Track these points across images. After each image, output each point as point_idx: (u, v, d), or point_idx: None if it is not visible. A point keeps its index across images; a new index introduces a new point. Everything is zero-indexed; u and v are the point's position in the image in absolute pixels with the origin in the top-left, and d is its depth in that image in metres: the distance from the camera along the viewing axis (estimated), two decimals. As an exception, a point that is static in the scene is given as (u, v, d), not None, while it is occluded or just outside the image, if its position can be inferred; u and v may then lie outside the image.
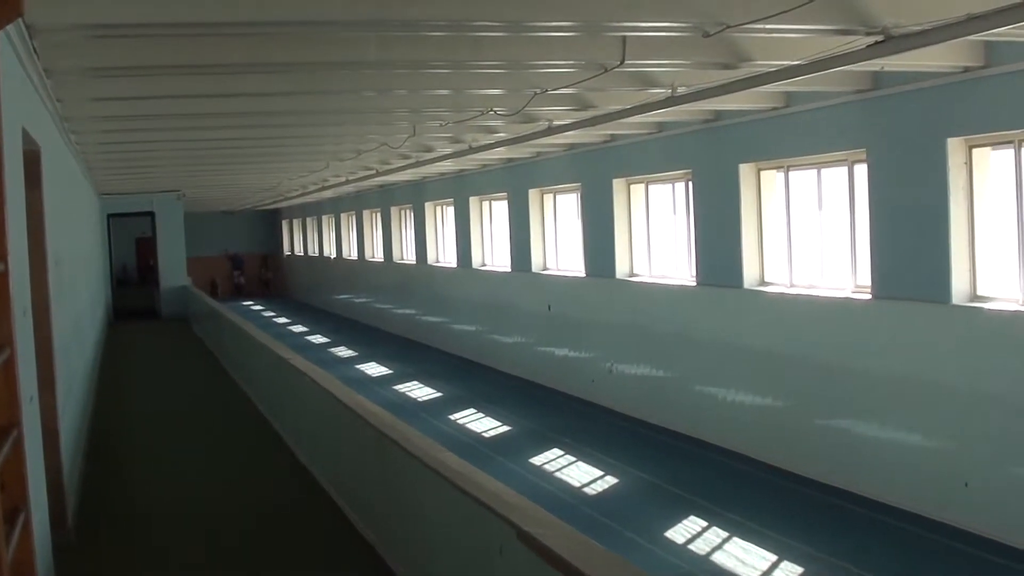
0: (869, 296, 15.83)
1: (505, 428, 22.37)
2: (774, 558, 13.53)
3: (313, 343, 38.99)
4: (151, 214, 39.34)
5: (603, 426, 21.81)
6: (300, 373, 14.25)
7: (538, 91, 14.08)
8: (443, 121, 17.73)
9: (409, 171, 29.03)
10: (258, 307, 55.49)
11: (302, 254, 58.48)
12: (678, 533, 14.71)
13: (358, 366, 32.47)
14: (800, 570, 13.18)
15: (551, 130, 18.78)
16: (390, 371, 30.34)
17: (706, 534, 14.62)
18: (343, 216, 48.54)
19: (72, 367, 14.30)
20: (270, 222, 63.27)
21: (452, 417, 23.74)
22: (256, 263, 63.65)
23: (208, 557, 10.28)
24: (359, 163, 27.10)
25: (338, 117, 17.15)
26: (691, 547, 14.18)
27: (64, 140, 16.13)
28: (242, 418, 18.01)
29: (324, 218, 51.98)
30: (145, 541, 10.98)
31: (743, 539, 14.24)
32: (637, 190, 22.84)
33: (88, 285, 23.43)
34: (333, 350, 36.72)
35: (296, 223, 59.34)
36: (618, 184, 22.86)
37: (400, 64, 11.88)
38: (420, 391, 27.48)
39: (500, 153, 24.74)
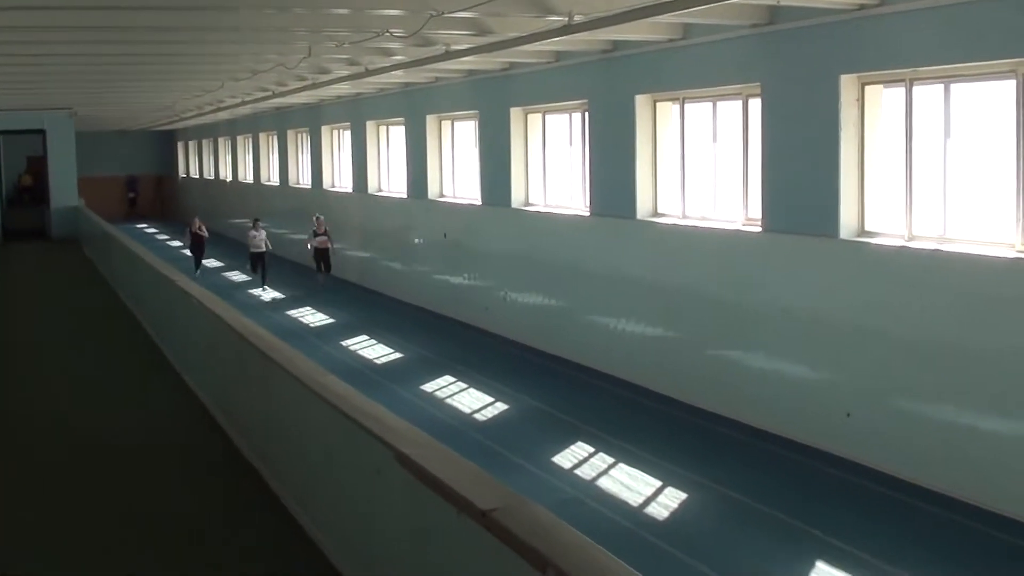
0: (760, 229, 15.99)
1: (397, 355, 22.36)
2: (659, 484, 13.74)
3: (206, 266, 38.49)
4: (42, 132, 38.32)
5: (496, 354, 21.89)
6: (187, 295, 14.05)
7: (435, 13, 13.91)
8: (340, 42, 17.48)
9: (306, 93, 28.67)
10: (152, 230, 54.62)
11: (197, 176, 57.57)
12: (565, 459, 14.85)
13: (251, 291, 32.17)
14: (684, 495, 13.40)
15: (448, 55, 18.63)
16: (283, 296, 30.10)
17: (593, 460, 14.78)
18: (239, 138, 47.80)
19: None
20: (165, 143, 62.09)
21: (344, 343, 23.67)
22: (151, 185, 62.50)
23: (84, 476, 10.09)
24: (255, 84, 26.68)
25: (235, 35, 16.82)
26: (578, 472, 14.33)
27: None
28: (130, 341, 17.74)
29: (220, 140, 51.14)
30: (10, 457, 10.71)
31: (630, 465, 14.42)
32: (534, 119, 22.78)
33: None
34: (226, 275, 36.31)
35: (192, 145, 58.32)
36: (515, 113, 22.78)
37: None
38: (313, 317, 27.34)
39: (398, 77, 24.52)
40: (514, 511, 4.66)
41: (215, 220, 52.00)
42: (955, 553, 11.52)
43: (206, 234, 36.03)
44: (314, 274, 32.04)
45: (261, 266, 32.36)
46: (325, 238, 31.14)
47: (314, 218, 31.71)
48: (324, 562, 7.47)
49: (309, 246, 31.64)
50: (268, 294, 31.62)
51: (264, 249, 32.37)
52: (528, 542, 4.30)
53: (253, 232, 32.65)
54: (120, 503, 9.22)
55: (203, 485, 9.83)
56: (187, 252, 36.53)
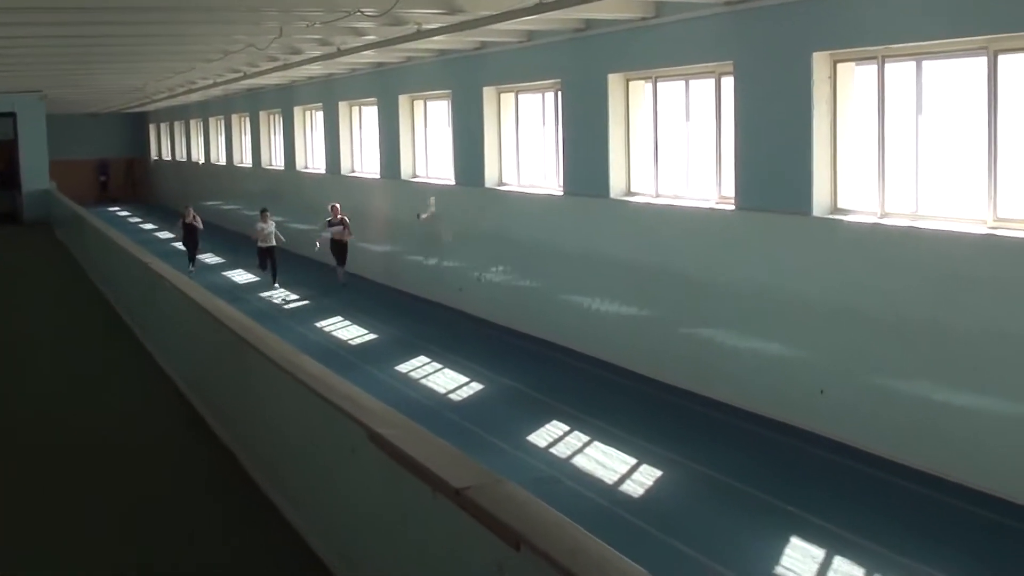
0: (733, 207, 16.02)
1: (372, 336, 22.33)
2: (634, 461, 13.76)
3: (179, 250, 38.28)
4: (12, 115, 38.05)
5: (470, 334, 21.88)
6: (160, 278, 14.01)
7: (406, -8, 13.87)
8: (311, 22, 17.40)
9: (278, 74, 28.55)
10: (124, 213, 54.31)
11: (170, 159, 57.25)
12: (540, 438, 14.87)
13: (225, 273, 32.06)
14: (659, 473, 13.43)
15: (420, 34, 18.56)
16: (257, 279, 29.98)
17: (568, 439, 14.80)
18: (211, 120, 47.53)
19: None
20: (137, 125, 61.68)
21: (318, 325, 23.62)
22: (122, 168, 62.09)
23: (57, 463, 10.06)
24: (226, 65, 26.55)
25: (205, 15, 16.73)
26: (553, 451, 14.35)
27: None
28: (102, 323, 17.67)
29: (192, 122, 50.85)
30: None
31: (605, 443, 14.45)
32: (507, 99, 22.73)
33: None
34: (200, 257, 36.10)
35: (164, 127, 57.96)
36: (488, 92, 22.72)
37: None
38: (287, 298, 27.25)
39: (370, 57, 24.42)
40: (488, 489, 4.67)
41: (188, 202, 51.76)
42: (930, 527, 11.58)
43: (200, 225, 32.24)
44: (331, 270, 28.69)
45: (271, 262, 28.60)
46: (341, 228, 27.87)
47: (330, 206, 28.26)
48: (300, 543, 7.47)
49: (318, 244, 28.59)
50: (278, 292, 28.29)
51: (274, 243, 28.63)
52: (502, 519, 4.30)
53: (261, 224, 28.68)
54: (95, 488, 9.19)
55: (179, 469, 9.82)
56: (179, 245, 32.94)
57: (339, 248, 27.98)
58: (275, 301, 27.03)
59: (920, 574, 10.33)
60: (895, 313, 13.34)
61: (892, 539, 11.09)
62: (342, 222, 27.84)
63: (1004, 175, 12.41)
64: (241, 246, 35.08)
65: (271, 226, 28.59)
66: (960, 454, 12.52)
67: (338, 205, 28.17)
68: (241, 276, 31.29)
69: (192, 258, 31.62)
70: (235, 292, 27.68)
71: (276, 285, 28.34)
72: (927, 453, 12.87)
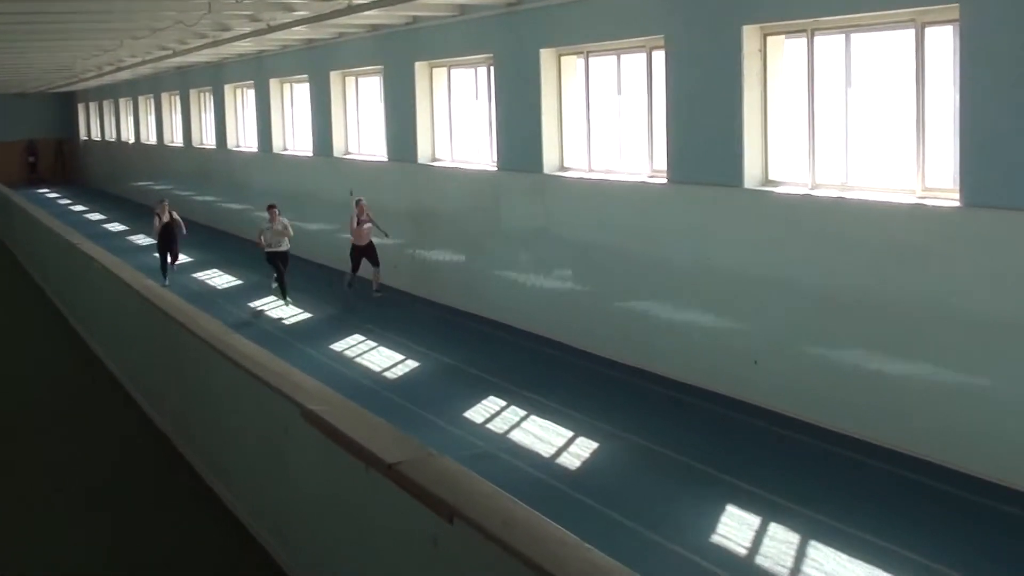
0: (665, 181, 16.07)
1: (306, 315, 22.20)
2: (571, 435, 13.81)
3: (111, 231, 37.95)
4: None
5: (405, 312, 21.82)
6: (90, 259, 13.84)
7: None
8: (239, -2, 17.24)
9: (208, 51, 28.22)
10: (54, 195, 53.59)
11: (99, 139, 56.51)
12: (477, 413, 14.87)
13: (156, 254, 31.66)
14: (596, 445, 13.49)
15: (351, 8, 18.43)
16: (190, 259, 29.69)
17: (505, 413, 14.82)
18: (141, 99, 46.93)
19: None
20: (66, 105, 60.81)
21: (253, 305, 23.44)
22: (51, 148, 61.22)
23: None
24: (155, 42, 26.21)
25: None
26: (490, 426, 14.36)
27: None
28: (32, 309, 17.45)
29: (122, 101, 50.20)
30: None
31: (542, 417, 14.48)
32: (439, 74, 22.64)
33: None
34: (131, 238, 35.76)
35: (93, 107, 57.18)
36: (420, 68, 22.61)
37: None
38: (220, 279, 27.04)
39: (301, 33, 24.21)
40: (420, 463, 4.67)
41: (119, 183, 51.22)
42: (861, 491, 11.73)
43: (183, 225, 26.38)
44: (346, 280, 23.51)
45: (279, 272, 22.87)
46: (370, 226, 22.61)
47: (354, 201, 22.72)
48: (235, 522, 7.43)
49: (352, 240, 22.90)
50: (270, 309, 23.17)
51: (287, 247, 22.94)
52: (435, 493, 4.30)
53: (269, 224, 22.89)
54: (30, 474, 9.09)
55: (112, 453, 9.71)
56: (156, 251, 26.52)
57: (365, 252, 22.77)
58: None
59: (855, 539, 10.45)
60: (827, 283, 13.47)
61: (827, 505, 11.22)
62: (370, 219, 22.62)
63: (932, 145, 12.55)
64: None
65: (279, 225, 22.84)
66: (891, 421, 12.68)
67: (363, 200, 22.65)
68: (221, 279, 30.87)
69: (167, 267, 25.76)
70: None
71: (287, 299, 22.89)
72: (860, 421, 13.02)
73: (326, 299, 23.45)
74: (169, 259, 25.80)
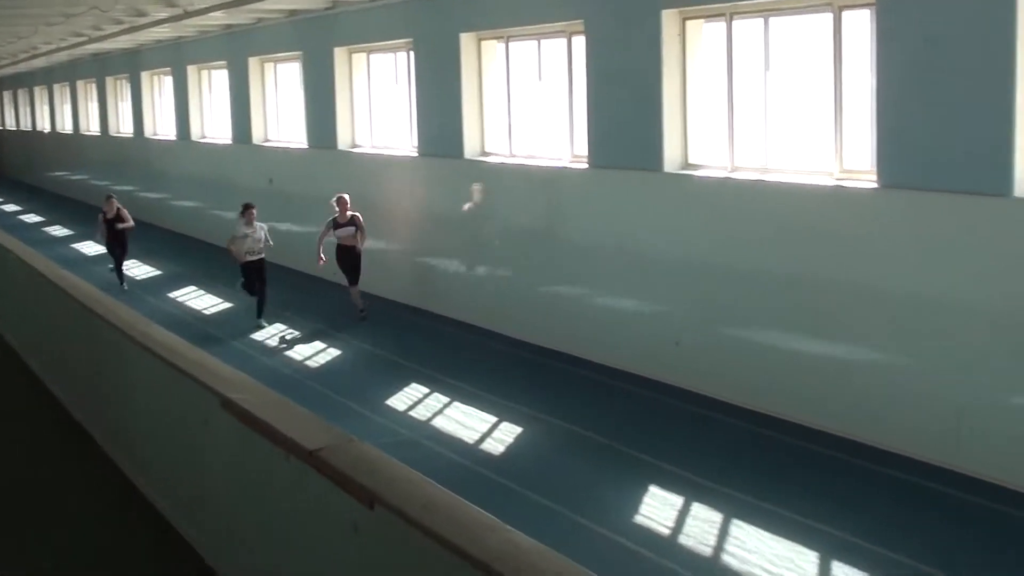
0: (586, 165, 16.11)
1: (226, 305, 21.97)
2: (494, 420, 13.82)
3: (26, 222, 37.33)
4: None
5: (326, 300, 21.64)
6: (3, 250, 13.61)
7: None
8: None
9: (124, 38, 27.81)
10: (-34, 185, 52.67)
11: (14, 128, 55.54)
12: (400, 401, 14.84)
13: (74, 245, 31.26)
14: (519, 430, 13.51)
15: (268, -7, 18.26)
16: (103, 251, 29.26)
17: (428, 400, 14.80)
18: (56, 87, 46.16)
19: None
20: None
21: (172, 295, 23.21)
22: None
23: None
24: (70, 28, 25.78)
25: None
26: (412, 413, 14.33)
27: None
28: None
29: (37, 89, 49.36)
30: None
31: (464, 403, 14.47)
32: (359, 59, 22.49)
33: None
34: (47, 229, 35.25)
35: (7, 95, 56.21)
36: (339, 53, 22.44)
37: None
38: (138, 269, 26.61)
39: (219, 19, 23.94)
40: (340, 450, 4.64)
41: (35, 173, 50.38)
42: (780, 468, 11.86)
43: (131, 223, 23.93)
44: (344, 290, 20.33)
45: (259, 283, 19.63)
46: (353, 230, 19.53)
47: (335, 199, 19.55)
48: (160, 520, 7.32)
49: (322, 259, 19.75)
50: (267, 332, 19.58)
51: (263, 255, 19.75)
52: (355, 479, 4.28)
53: (245, 229, 19.61)
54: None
55: (28, 446, 9.55)
56: (106, 250, 24.96)
57: (349, 259, 19.70)
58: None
59: (776, 516, 10.56)
60: (747, 265, 13.58)
61: (749, 485, 11.32)
62: (353, 222, 19.53)
63: (849, 128, 12.70)
64: (91, 217, 34.20)
65: (260, 232, 19.76)
66: (809, 399, 12.83)
67: (347, 197, 19.54)
68: (90, 248, 30.43)
69: (120, 268, 24.14)
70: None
71: (262, 322, 19.63)
72: (780, 400, 13.16)
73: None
74: (120, 260, 24.19)
